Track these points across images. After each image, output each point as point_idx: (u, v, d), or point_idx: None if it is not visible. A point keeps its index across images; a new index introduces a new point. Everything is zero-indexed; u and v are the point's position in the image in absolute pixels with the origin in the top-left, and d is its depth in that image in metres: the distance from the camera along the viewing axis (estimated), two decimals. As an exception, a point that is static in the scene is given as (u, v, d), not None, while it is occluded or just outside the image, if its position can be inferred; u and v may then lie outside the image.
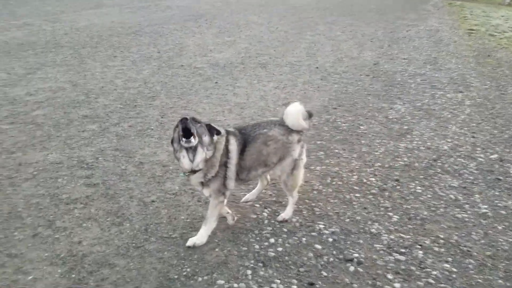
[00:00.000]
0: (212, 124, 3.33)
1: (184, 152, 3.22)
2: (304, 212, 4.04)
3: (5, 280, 3.03)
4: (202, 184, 3.42)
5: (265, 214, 4.00)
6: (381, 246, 3.60)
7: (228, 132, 3.50)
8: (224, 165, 3.41)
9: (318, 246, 3.56)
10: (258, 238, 3.64)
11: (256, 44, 11.18)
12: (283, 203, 4.12)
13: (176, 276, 3.17)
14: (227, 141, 3.44)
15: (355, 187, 4.51)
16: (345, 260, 3.42)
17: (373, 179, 4.69)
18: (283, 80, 8.25)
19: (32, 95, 6.99)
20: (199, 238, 3.49)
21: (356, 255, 3.48)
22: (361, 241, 3.65)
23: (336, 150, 5.37)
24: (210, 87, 7.68)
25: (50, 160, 4.87)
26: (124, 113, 6.37)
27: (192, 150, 3.18)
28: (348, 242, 3.63)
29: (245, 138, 3.55)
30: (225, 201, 3.63)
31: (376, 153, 5.32)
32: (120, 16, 14.67)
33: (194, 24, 13.70)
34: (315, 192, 4.39)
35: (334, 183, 4.59)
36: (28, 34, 11.66)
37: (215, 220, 3.57)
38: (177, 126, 3.20)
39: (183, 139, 3.11)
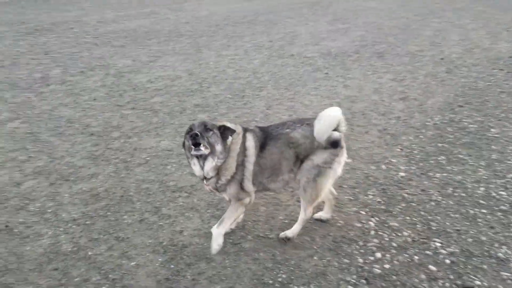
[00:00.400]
0: (227, 125, 3.11)
1: (195, 160, 3.08)
2: (418, 226, 3.58)
3: (111, 264, 3.19)
4: (217, 189, 3.22)
5: (371, 223, 3.64)
6: (509, 275, 3.01)
7: (246, 130, 3.26)
8: (242, 164, 3.16)
9: (433, 268, 3.11)
10: (362, 251, 3.31)
11: (373, 32, 10.49)
12: (394, 212, 3.71)
13: (270, 281, 3.01)
14: (244, 137, 3.20)
15: (481, 201, 3.88)
16: (463, 287, 2.93)
17: (504, 192, 3.99)
18: (402, 71, 7.57)
19: (152, 82, 7.43)
20: (216, 240, 3.19)
21: (478, 282, 2.96)
22: (485, 267, 3.10)
23: (461, 156, 4.70)
24: (320, 78, 7.37)
25: (162, 146, 5.09)
26: (232, 103, 6.41)
27: (203, 158, 3.02)
28: (469, 267, 3.11)
29: (266, 136, 3.23)
30: (249, 204, 3.33)
31: (509, 162, 4.54)
32: (238, 5, 15.00)
33: (308, 11, 13.38)
34: (432, 203, 3.88)
35: (456, 194, 4.00)
36: (154, 22, 12.55)
37: (231, 223, 3.36)
38: (188, 132, 3.06)
39: (192, 147, 2.93)
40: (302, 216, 3.35)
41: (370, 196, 4.00)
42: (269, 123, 5.58)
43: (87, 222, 3.67)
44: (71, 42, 10.19)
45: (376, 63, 8.08)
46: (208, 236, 3.48)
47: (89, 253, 3.29)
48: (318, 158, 3.15)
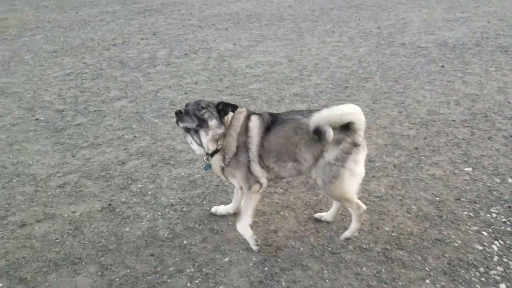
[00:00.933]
0: (226, 101, 3.14)
1: (189, 138, 3.12)
2: (557, 260, 2.97)
3: (204, 257, 3.10)
4: (223, 170, 3.16)
5: (494, 247, 3.11)
6: None
7: (253, 113, 3.21)
8: (244, 145, 3.07)
9: None
10: (483, 279, 2.84)
11: (496, 23, 9.26)
12: (526, 239, 3.14)
13: (373, 303, 2.70)
14: (248, 119, 3.14)
15: None
16: None
17: None
18: (533, 69, 6.53)
19: (252, 68, 7.32)
20: (245, 234, 3.19)
21: None
22: None
23: None
24: (435, 71, 6.64)
25: (259, 136, 4.93)
26: (334, 94, 6.04)
27: (195, 133, 3.05)
28: None
29: (273, 120, 3.12)
30: (260, 191, 3.19)
31: None
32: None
33: (421, -4, 12.30)
34: None
35: None
36: (257, 5, 12.45)
37: (250, 216, 3.18)
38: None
39: (178, 123, 3.00)
40: (352, 213, 3.15)
41: (494, 214, 3.44)
42: (375, 119, 5.16)
43: (184, 209, 3.65)
44: (177, 24, 10.50)
45: (499, 58, 7.08)
46: (305, 240, 3.25)
47: (184, 242, 3.25)
48: (329, 154, 2.96)
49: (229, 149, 3.09)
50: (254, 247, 3.16)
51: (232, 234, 3.33)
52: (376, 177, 4.03)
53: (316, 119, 2.89)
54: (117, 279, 2.89)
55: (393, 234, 3.27)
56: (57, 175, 4.12)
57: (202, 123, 2.99)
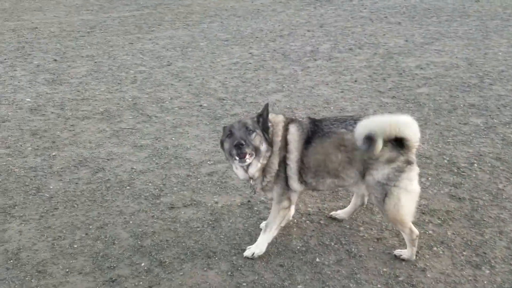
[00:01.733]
0: (263, 112, 2.86)
1: (236, 164, 2.88)
2: None
3: (336, 282, 2.82)
4: (263, 189, 3.04)
5: None
6: None
7: (291, 120, 2.99)
8: (284, 161, 2.91)
9: None
10: None
11: None
12: None
13: None
14: (286, 130, 2.92)
15: None
16: None
17: None
18: None
19: (422, 69, 6.58)
20: (259, 246, 3.04)
21: None
22: None
23: None
24: None
25: (420, 151, 4.33)
26: (524, 110, 4.99)
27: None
28: None
29: (314, 130, 2.89)
30: (292, 207, 3.19)
31: None
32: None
33: None
34: None
35: None
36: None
37: (276, 228, 3.07)
38: (227, 135, 2.84)
39: (237, 158, 2.75)
40: (405, 237, 2.94)
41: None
42: None
43: (321, 222, 3.43)
44: (346, 16, 10.14)
45: None
46: (459, 292, 2.72)
47: (317, 259, 3.04)
48: (379, 173, 2.78)
49: (272, 168, 2.94)
50: (251, 255, 3.03)
51: (371, 263, 2.98)
52: None
53: (363, 126, 2.67)
54: (245, 284, 2.85)
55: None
56: (208, 162, 4.32)
57: (257, 152, 2.81)
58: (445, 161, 4.17)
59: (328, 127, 2.91)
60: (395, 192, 2.77)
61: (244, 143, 2.72)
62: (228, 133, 2.85)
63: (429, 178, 3.91)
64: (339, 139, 2.84)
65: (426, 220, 3.38)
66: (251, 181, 2.97)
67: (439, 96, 5.59)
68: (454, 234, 3.23)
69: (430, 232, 3.26)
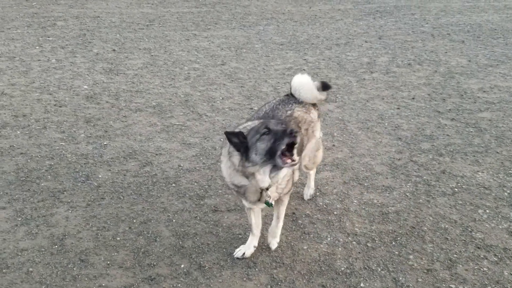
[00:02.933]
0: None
1: (266, 168, 2.54)
2: None
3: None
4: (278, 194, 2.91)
5: None
6: None
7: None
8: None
9: None
10: None
11: None
12: None
13: None
14: None
15: None
16: None
17: None
18: None
19: (485, 92, 6.22)
20: (278, 238, 3.21)
21: None
22: None
23: None
24: None
25: (478, 180, 4.10)
26: None
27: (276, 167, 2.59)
28: None
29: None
30: None
31: None
32: None
33: None
34: None
35: None
36: (505, 18, 10.65)
37: None
38: (267, 130, 2.49)
39: (289, 160, 2.49)
40: (313, 175, 3.81)
41: None
42: None
43: (368, 244, 3.27)
44: (407, 29, 9.80)
45: None
46: None
47: (362, 284, 2.90)
48: (318, 132, 3.50)
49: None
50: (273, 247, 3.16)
51: (418, 296, 2.81)
52: None
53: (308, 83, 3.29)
54: (283, 300, 2.76)
55: None
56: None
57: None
58: (506, 193, 3.89)
59: (280, 116, 3.10)
60: (321, 142, 3.57)
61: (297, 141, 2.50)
62: (265, 131, 2.52)
63: (487, 211, 3.66)
64: (294, 119, 3.14)
65: (481, 256, 3.15)
66: (265, 190, 2.69)
67: (502, 123, 5.25)
68: (511, 274, 2.98)
69: (485, 269, 3.03)
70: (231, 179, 2.76)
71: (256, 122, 2.74)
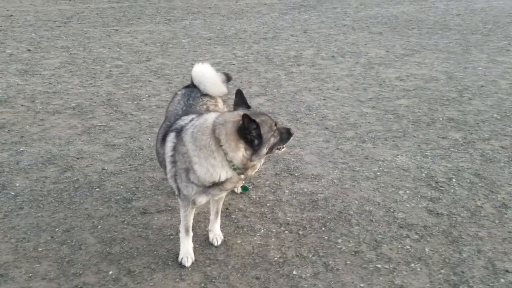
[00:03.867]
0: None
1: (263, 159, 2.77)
2: None
3: (312, 299, 2.76)
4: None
5: None
6: None
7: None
8: None
9: None
10: None
11: None
12: None
13: None
14: None
15: None
16: None
17: None
18: None
19: (402, 80, 6.62)
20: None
21: None
22: None
23: None
24: None
25: (398, 163, 4.35)
26: (500, 126, 5.06)
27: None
28: None
29: None
30: None
31: None
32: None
33: None
34: None
35: None
36: (419, 10, 11.40)
37: None
38: (275, 128, 2.64)
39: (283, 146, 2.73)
40: None
41: None
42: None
43: (300, 232, 3.34)
44: (330, 23, 10.15)
45: None
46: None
47: (294, 272, 2.95)
48: None
49: None
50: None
51: (348, 277, 2.91)
52: None
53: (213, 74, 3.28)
54: (218, 297, 2.73)
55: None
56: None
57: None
58: (423, 174, 4.16)
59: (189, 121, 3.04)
60: None
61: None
62: (275, 128, 2.64)
63: (407, 191, 3.89)
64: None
65: (404, 235, 3.34)
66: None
67: (418, 109, 5.61)
68: (432, 250, 3.19)
69: (408, 247, 3.22)
70: (211, 177, 2.60)
71: (233, 115, 2.62)
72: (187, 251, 2.99)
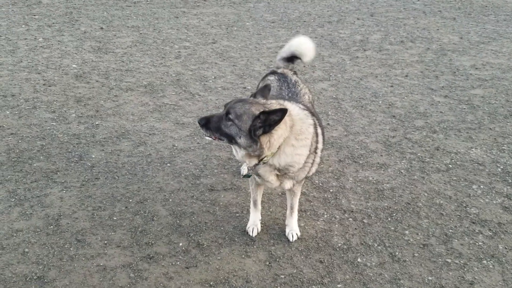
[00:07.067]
0: (271, 109, 2.50)
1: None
2: None
3: (378, 285, 2.71)
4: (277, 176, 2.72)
5: None
6: None
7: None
8: (315, 151, 2.80)
9: None
10: None
11: None
12: None
13: None
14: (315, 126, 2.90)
15: None
16: None
17: None
18: None
19: (477, 69, 6.23)
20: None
21: None
22: None
23: None
24: None
25: (472, 156, 4.13)
26: None
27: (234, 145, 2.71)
28: None
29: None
30: None
31: None
32: None
33: None
34: None
35: None
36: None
37: None
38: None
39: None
40: None
41: None
42: None
43: (364, 221, 3.29)
44: (398, 6, 9.72)
45: None
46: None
47: (358, 259, 2.93)
48: None
49: (296, 166, 2.64)
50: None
51: (416, 270, 2.85)
52: None
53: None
54: (283, 276, 2.77)
55: None
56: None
57: (230, 138, 2.50)
58: (499, 169, 3.93)
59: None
60: None
61: (205, 120, 2.64)
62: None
63: (481, 186, 3.70)
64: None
65: (476, 231, 3.20)
66: (250, 169, 2.83)
67: (494, 100, 5.28)
68: (506, 248, 3.04)
69: (480, 243, 3.08)
70: (236, 154, 2.74)
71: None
72: (253, 222, 3.14)
